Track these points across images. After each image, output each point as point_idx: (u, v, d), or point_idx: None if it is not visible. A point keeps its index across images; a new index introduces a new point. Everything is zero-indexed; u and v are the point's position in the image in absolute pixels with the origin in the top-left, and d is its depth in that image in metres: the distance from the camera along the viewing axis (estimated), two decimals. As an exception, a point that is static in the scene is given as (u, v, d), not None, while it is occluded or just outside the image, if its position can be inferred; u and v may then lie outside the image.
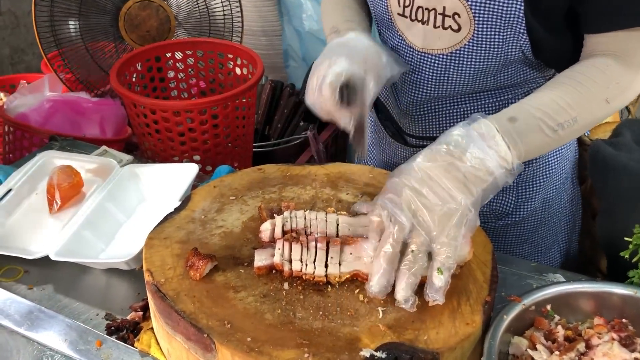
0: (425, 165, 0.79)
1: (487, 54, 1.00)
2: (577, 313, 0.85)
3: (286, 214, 0.90)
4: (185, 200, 1.00)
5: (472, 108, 1.11)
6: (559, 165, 1.17)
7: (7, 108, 1.65)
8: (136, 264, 1.02)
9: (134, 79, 1.54)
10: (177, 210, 0.98)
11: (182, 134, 1.37)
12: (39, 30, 1.75)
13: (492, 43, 0.98)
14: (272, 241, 0.87)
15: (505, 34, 0.96)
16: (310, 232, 0.88)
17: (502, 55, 0.99)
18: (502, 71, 1.04)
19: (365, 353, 0.71)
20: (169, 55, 1.61)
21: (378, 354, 0.71)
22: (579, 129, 0.89)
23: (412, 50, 1.07)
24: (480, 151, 0.79)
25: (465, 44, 0.99)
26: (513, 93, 1.09)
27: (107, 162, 1.23)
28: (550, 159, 1.15)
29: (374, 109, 1.27)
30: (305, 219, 0.89)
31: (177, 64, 1.64)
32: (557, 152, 1.15)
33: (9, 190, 1.18)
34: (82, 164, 1.23)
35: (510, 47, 0.98)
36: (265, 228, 0.89)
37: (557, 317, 0.84)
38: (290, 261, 0.83)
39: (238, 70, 1.58)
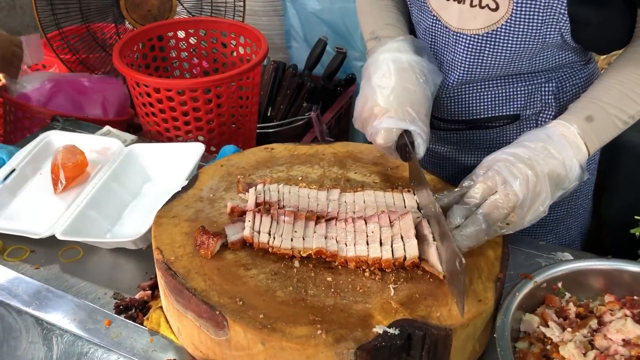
0: (538, 156, 0.84)
1: (524, 36, 0.95)
2: (587, 291, 0.85)
3: (259, 187, 0.90)
4: (193, 179, 0.99)
5: (504, 92, 1.07)
6: (595, 153, 1.10)
7: (9, 88, 1.63)
8: (144, 244, 1.01)
9: (136, 59, 1.52)
10: (185, 189, 0.97)
11: (186, 113, 1.35)
12: (38, 10, 1.73)
13: (531, 24, 0.93)
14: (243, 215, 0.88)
15: (545, 14, 0.92)
16: (283, 206, 0.89)
17: (540, 38, 0.95)
18: (539, 55, 1.00)
19: (379, 329, 0.71)
20: (171, 34, 1.58)
21: (391, 330, 0.71)
22: None
23: (447, 30, 1.02)
24: (570, 160, 0.85)
25: (502, 25, 0.95)
26: (547, 77, 1.05)
27: (112, 142, 1.22)
28: None
29: None
30: (278, 192, 0.90)
31: (180, 44, 1.62)
32: None
33: (13, 170, 1.17)
34: (86, 143, 1.22)
35: (549, 29, 0.94)
36: (235, 205, 0.89)
37: (567, 295, 0.84)
38: (259, 232, 0.84)
39: (241, 50, 1.56)
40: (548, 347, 0.75)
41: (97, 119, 1.56)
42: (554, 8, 0.91)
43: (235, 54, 1.59)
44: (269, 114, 2.05)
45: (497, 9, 0.94)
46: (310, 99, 2.05)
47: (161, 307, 0.90)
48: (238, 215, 0.89)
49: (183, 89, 1.32)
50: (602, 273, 0.85)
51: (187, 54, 1.64)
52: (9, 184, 1.14)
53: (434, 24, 1.04)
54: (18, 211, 1.11)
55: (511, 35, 0.96)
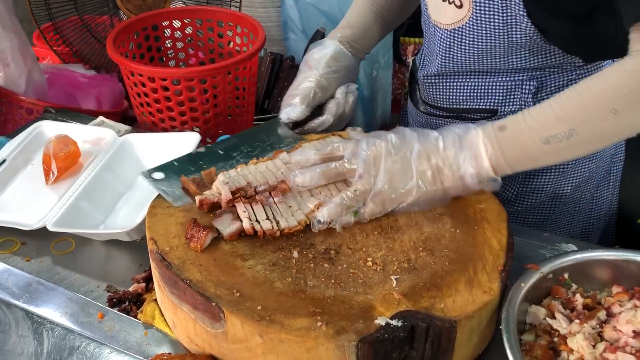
0: (411, 139, 0.86)
1: (488, 35, 0.97)
2: (594, 282, 0.83)
3: (222, 177, 0.87)
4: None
5: (482, 86, 1.08)
6: (580, 161, 1.09)
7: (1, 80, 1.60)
8: (138, 235, 0.99)
9: (130, 48, 1.49)
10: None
11: (182, 103, 1.32)
12: (32, 3, 1.70)
13: (492, 24, 0.95)
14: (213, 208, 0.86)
15: (504, 15, 0.93)
16: (255, 188, 0.87)
17: (505, 37, 0.96)
18: (514, 54, 0.99)
19: (381, 321, 0.69)
20: (166, 24, 1.55)
21: (394, 322, 0.69)
22: (584, 142, 0.80)
23: (430, 21, 1.07)
24: (461, 154, 0.83)
25: (466, 22, 0.98)
26: (529, 75, 1.03)
27: (105, 132, 1.19)
28: None
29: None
30: (243, 177, 0.89)
31: (175, 33, 1.59)
32: None
33: (3, 161, 1.14)
34: (79, 133, 1.18)
35: (512, 30, 0.94)
36: (203, 198, 0.86)
37: (574, 286, 0.82)
38: (259, 222, 0.82)
39: (238, 40, 1.53)
40: (555, 339, 0.73)
41: (91, 111, 1.53)
42: (512, 10, 0.92)
43: (232, 44, 1.56)
44: (266, 106, 2.02)
45: (461, 6, 0.97)
46: (308, 92, 2.02)
47: (155, 300, 0.87)
48: (208, 208, 0.86)
49: (178, 78, 1.29)
50: (609, 264, 0.82)
51: (182, 44, 1.61)
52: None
53: (424, 12, 1.10)
54: (8, 202, 1.08)
55: (475, 32, 0.98)
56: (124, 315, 0.87)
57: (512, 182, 1.12)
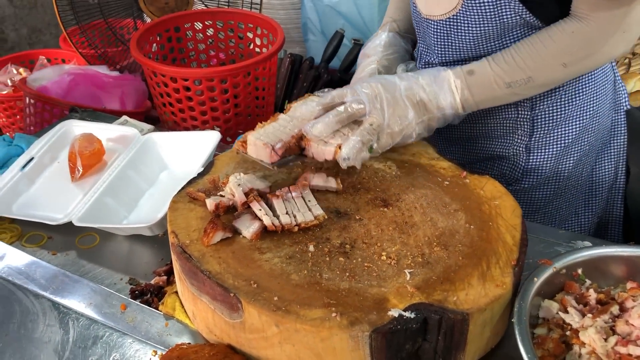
0: (397, 81, 0.96)
1: (481, 19, 1.01)
2: (608, 278, 0.83)
3: (233, 179, 0.89)
4: (209, 165, 0.99)
5: None
6: (580, 135, 1.12)
7: (29, 81, 1.65)
8: (159, 230, 1.01)
9: (154, 50, 1.53)
10: (201, 175, 0.97)
11: (203, 103, 1.36)
12: (58, 5, 1.75)
13: (483, 8, 0.99)
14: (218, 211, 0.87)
15: (493, 3, 0.97)
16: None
17: (498, 19, 0.99)
18: (507, 35, 1.02)
19: (394, 313, 0.70)
20: (188, 25, 1.59)
21: (407, 314, 0.70)
22: (536, 87, 0.97)
23: (420, 16, 1.12)
24: (438, 90, 0.96)
25: (459, 10, 1.02)
26: None
27: (128, 131, 1.23)
28: (567, 129, 1.11)
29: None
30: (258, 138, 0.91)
31: (197, 35, 1.62)
32: (576, 121, 1.11)
33: (31, 159, 1.18)
34: (104, 132, 1.22)
35: (504, 11, 0.98)
36: (211, 202, 0.87)
37: (588, 282, 0.82)
38: (277, 217, 0.84)
39: (258, 41, 1.56)
40: (567, 333, 0.74)
41: (115, 111, 1.57)
42: None
43: (252, 45, 1.59)
44: (285, 107, 2.05)
45: None
46: (326, 92, 2.04)
47: (176, 292, 0.90)
48: (223, 211, 0.88)
49: (199, 78, 1.32)
50: (623, 260, 0.83)
51: (204, 45, 1.64)
52: (27, 172, 1.15)
53: (414, 11, 1.14)
54: (36, 198, 1.12)
55: (469, 18, 1.02)
56: (146, 306, 0.89)
57: (516, 160, 1.15)
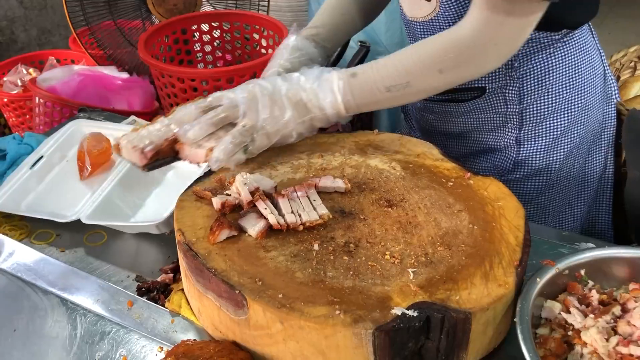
0: (279, 82, 0.96)
1: (459, 19, 1.01)
2: (611, 279, 0.84)
3: (240, 177, 0.90)
4: (215, 164, 1.00)
5: None
6: (569, 127, 1.15)
7: (38, 81, 1.67)
8: (166, 228, 1.03)
9: (162, 51, 1.54)
10: (207, 174, 0.98)
11: (210, 104, 1.37)
12: (68, 6, 1.77)
13: (460, 10, 1.01)
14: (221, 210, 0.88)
15: (465, 4, 0.99)
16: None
17: None
18: None
19: (397, 311, 0.71)
20: (195, 27, 1.60)
21: (410, 312, 0.71)
22: (416, 93, 0.96)
23: (406, 18, 1.16)
24: (319, 91, 0.95)
25: (438, 11, 1.05)
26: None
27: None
28: (556, 121, 1.14)
29: None
30: (130, 142, 0.92)
31: (203, 37, 1.64)
32: (565, 114, 1.14)
33: (41, 157, 1.20)
34: (112, 132, 1.24)
35: None
36: (217, 201, 0.89)
37: (590, 283, 0.83)
38: (282, 215, 0.85)
39: (264, 42, 1.58)
40: (569, 333, 0.74)
41: (123, 111, 1.59)
42: None
43: (258, 46, 1.61)
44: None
45: (429, 0, 1.06)
46: (333, 94, 2.04)
47: (182, 290, 0.91)
48: (229, 210, 0.89)
49: (207, 79, 1.34)
50: (626, 261, 0.83)
51: (210, 47, 1.66)
52: (36, 170, 1.17)
53: (401, 13, 1.18)
54: (45, 196, 1.14)
55: (448, 19, 1.05)
56: (152, 303, 0.91)
57: (507, 152, 1.18)
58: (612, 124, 1.23)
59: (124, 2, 1.83)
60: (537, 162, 1.17)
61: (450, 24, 1.05)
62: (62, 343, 0.87)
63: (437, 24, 1.08)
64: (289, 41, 1.17)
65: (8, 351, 0.88)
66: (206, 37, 1.65)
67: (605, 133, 1.23)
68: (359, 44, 2.11)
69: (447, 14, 1.05)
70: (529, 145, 1.16)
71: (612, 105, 1.22)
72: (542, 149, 1.16)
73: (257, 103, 0.93)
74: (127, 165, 1.14)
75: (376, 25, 2.11)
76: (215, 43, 1.66)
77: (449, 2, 1.03)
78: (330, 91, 0.95)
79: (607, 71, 1.21)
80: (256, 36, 1.60)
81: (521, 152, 1.17)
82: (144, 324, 0.88)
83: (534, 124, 1.14)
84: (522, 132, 1.15)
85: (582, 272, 0.83)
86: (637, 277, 0.83)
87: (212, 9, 1.88)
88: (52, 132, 1.29)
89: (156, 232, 1.03)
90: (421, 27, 1.12)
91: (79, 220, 1.02)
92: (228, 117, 0.92)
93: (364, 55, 2.10)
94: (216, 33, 1.64)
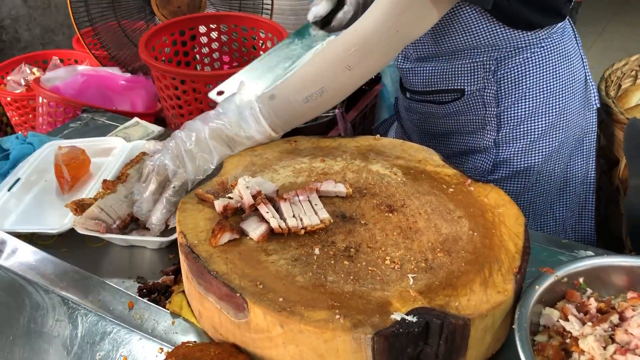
0: (197, 125, 0.99)
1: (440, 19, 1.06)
2: (609, 288, 0.84)
3: (242, 181, 0.91)
4: (217, 167, 1.01)
5: (449, 67, 1.18)
6: (547, 131, 1.18)
7: (42, 81, 1.68)
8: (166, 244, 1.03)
9: (167, 52, 1.55)
10: (210, 177, 0.98)
11: (212, 104, 1.37)
12: (72, 6, 1.78)
13: None
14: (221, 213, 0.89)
15: None
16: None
17: (453, 16, 1.05)
18: (468, 32, 1.09)
19: (396, 316, 0.72)
20: (192, 29, 1.61)
21: (409, 318, 0.71)
22: (333, 97, 0.98)
23: None
24: (242, 123, 0.99)
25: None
26: (487, 55, 1.14)
27: (115, 141, 1.23)
28: (533, 124, 1.17)
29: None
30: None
31: (201, 38, 1.65)
32: (543, 117, 1.16)
33: (18, 180, 1.16)
34: (90, 146, 1.22)
35: (458, 10, 1.05)
36: (219, 204, 0.89)
37: (589, 291, 0.83)
38: (283, 220, 0.86)
39: (262, 44, 1.59)
40: (567, 340, 0.75)
41: (126, 112, 1.60)
42: None
43: (256, 48, 1.62)
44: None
45: None
46: (335, 98, 2.05)
47: (183, 292, 0.92)
48: (231, 213, 0.89)
49: (210, 82, 1.34)
50: (625, 270, 0.84)
51: (208, 48, 1.67)
52: (15, 192, 1.13)
53: None
54: (30, 212, 1.11)
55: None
56: (153, 305, 0.91)
57: (487, 154, 1.21)
58: (593, 129, 1.25)
59: (127, 3, 1.84)
60: (516, 164, 1.19)
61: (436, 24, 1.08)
62: (63, 342, 0.88)
63: None
64: None
65: (9, 349, 0.89)
66: (204, 39, 1.66)
67: (587, 138, 1.25)
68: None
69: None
70: (507, 148, 1.19)
71: (593, 110, 1.24)
72: (520, 152, 1.18)
73: (183, 158, 0.98)
74: (110, 174, 1.13)
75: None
76: (212, 45, 1.66)
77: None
78: (254, 120, 0.98)
79: (588, 77, 1.23)
80: (254, 38, 1.61)
81: (500, 154, 1.19)
82: (145, 325, 0.88)
83: (511, 127, 1.17)
84: (500, 134, 1.18)
85: (581, 280, 0.83)
86: (635, 286, 0.83)
87: (216, 11, 1.89)
88: (56, 133, 1.29)
89: (157, 247, 1.04)
90: None
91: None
92: (165, 179, 1.00)
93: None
94: (213, 35, 1.65)
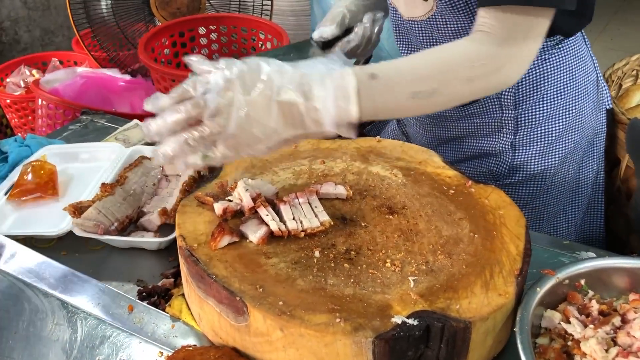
0: (272, 74, 0.78)
1: (456, 16, 1.04)
2: (611, 289, 0.84)
3: (242, 184, 0.91)
4: (217, 170, 1.01)
5: None
6: (563, 133, 1.16)
7: (41, 83, 1.68)
8: (165, 245, 1.03)
9: (159, 54, 1.55)
10: (209, 179, 0.98)
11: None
12: (72, 8, 1.77)
13: (455, 8, 1.02)
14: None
15: (463, 1, 1.00)
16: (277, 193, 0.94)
17: (471, 16, 1.02)
18: None
19: (397, 320, 0.71)
20: (191, 30, 1.61)
21: (410, 321, 0.71)
22: (443, 103, 0.87)
23: (402, 18, 1.16)
24: (327, 98, 0.78)
25: (435, 11, 1.06)
26: None
27: (113, 147, 1.23)
28: (550, 127, 1.15)
29: None
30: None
31: (201, 40, 1.64)
32: (560, 119, 1.14)
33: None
34: (87, 151, 1.23)
35: (474, 9, 1.00)
36: (219, 207, 0.89)
37: (590, 293, 0.83)
38: (283, 222, 0.86)
39: (261, 45, 1.58)
40: (569, 343, 0.74)
41: (125, 114, 1.59)
42: None
43: (255, 49, 1.61)
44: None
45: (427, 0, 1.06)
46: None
47: (183, 295, 0.91)
48: (231, 215, 0.89)
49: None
50: (626, 271, 0.83)
51: (207, 50, 1.66)
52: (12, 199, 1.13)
53: (394, 14, 1.19)
54: (29, 215, 1.11)
55: (447, 17, 1.06)
56: (153, 308, 0.91)
57: (502, 157, 1.19)
58: (603, 129, 1.24)
59: (127, 5, 1.83)
60: (532, 167, 1.18)
61: (448, 22, 1.06)
62: (63, 346, 0.88)
63: (436, 22, 1.08)
64: None
65: (8, 354, 0.89)
66: (203, 40, 1.65)
67: (598, 139, 1.24)
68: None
69: (444, 12, 1.05)
70: (524, 151, 1.17)
71: (604, 112, 1.24)
72: (538, 154, 1.17)
73: (231, 108, 0.76)
74: (108, 179, 1.13)
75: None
76: (212, 46, 1.66)
77: (446, 1, 1.03)
78: (343, 97, 0.79)
79: (599, 77, 1.23)
80: (254, 39, 1.61)
81: (516, 157, 1.18)
82: (144, 328, 0.88)
83: (529, 129, 1.15)
84: (518, 137, 1.16)
85: (582, 281, 0.83)
86: (637, 288, 0.83)
87: (215, 12, 1.89)
88: (54, 135, 1.29)
89: (155, 249, 1.03)
90: (420, 25, 1.12)
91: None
92: (191, 117, 0.77)
93: (366, 60, 2.11)
94: (213, 36, 1.65)
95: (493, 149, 1.19)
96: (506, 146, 1.17)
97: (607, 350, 0.71)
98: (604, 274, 0.83)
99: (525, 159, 1.17)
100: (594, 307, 0.79)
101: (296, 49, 1.18)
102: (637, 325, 0.73)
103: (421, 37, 1.14)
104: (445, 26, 1.08)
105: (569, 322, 0.77)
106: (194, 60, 0.81)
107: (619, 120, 1.22)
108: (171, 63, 1.59)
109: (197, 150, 0.77)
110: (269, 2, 1.91)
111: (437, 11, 1.06)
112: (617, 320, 0.75)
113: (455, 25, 1.06)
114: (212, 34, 1.64)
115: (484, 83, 0.87)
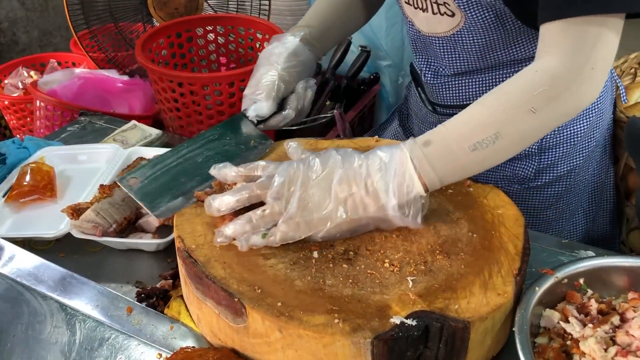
0: (336, 169, 0.82)
1: (484, 32, 1.02)
2: (610, 288, 0.84)
3: (239, 185, 0.90)
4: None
5: (491, 79, 1.13)
6: (587, 132, 1.15)
7: (40, 84, 1.67)
8: (164, 246, 1.02)
9: (156, 55, 1.54)
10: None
11: (210, 107, 1.37)
12: (69, 8, 1.77)
13: (485, 22, 1.00)
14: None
15: (494, 10, 0.98)
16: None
17: (501, 30, 1.01)
18: (513, 44, 1.04)
19: (396, 320, 0.71)
20: (189, 31, 1.61)
21: (408, 321, 0.71)
22: (509, 145, 0.81)
23: (420, 34, 1.13)
24: (384, 185, 0.81)
25: (462, 27, 1.03)
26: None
27: (110, 148, 1.23)
28: (576, 127, 1.14)
29: (410, 76, 1.32)
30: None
31: (198, 40, 1.64)
32: (585, 119, 1.14)
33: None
34: (85, 152, 1.22)
35: (505, 23, 0.99)
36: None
37: (589, 292, 0.83)
38: None
39: (259, 45, 1.58)
40: (568, 342, 0.74)
41: (124, 115, 1.59)
42: (498, 8, 0.97)
43: (253, 49, 1.61)
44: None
45: (453, 15, 1.02)
46: (333, 98, 2.05)
47: (181, 296, 0.91)
48: (230, 219, 0.88)
49: (207, 84, 1.34)
50: (625, 270, 0.83)
51: (205, 51, 1.66)
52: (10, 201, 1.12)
53: (411, 28, 1.15)
54: (27, 218, 1.10)
55: (473, 33, 1.03)
56: (151, 309, 0.90)
57: (529, 161, 1.17)
58: (610, 125, 1.24)
59: (124, 5, 1.83)
60: (559, 168, 1.17)
61: (475, 36, 1.03)
62: (61, 349, 0.87)
63: (461, 37, 1.05)
64: (287, 45, 1.10)
65: (7, 357, 0.88)
66: (200, 41, 1.65)
67: (608, 134, 1.24)
68: (360, 48, 2.12)
69: (473, 27, 1.02)
70: (551, 153, 1.15)
71: (615, 109, 1.23)
72: (564, 155, 1.15)
73: (294, 190, 0.81)
74: (106, 180, 1.13)
75: (377, 29, 2.12)
76: (209, 47, 1.66)
77: (478, 11, 0.98)
78: (399, 184, 0.80)
79: (613, 73, 1.22)
80: (251, 40, 1.60)
81: (543, 159, 1.16)
82: (143, 330, 0.87)
83: (555, 131, 1.14)
84: (544, 139, 1.14)
85: (581, 281, 0.83)
86: (636, 286, 0.83)
87: (213, 12, 1.89)
88: (52, 137, 1.29)
89: (153, 250, 1.03)
90: (441, 41, 1.09)
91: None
92: (255, 197, 0.84)
93: (364, 59, 2.11)
94: (210, 36, 1.64)
95: (519, 152, 1.17)
96: (533, 149, 1.15)
97: (606, 350, 0.71)
98: (603, 273, 0.83)
99: (553, 160, 1.15)
100: (593, 306, 0.79)
101: (228, 128, 1.05)
102: (636, 324, 0.72)
103: (442, 52, 1.11)
104: (471, 41, 1.05)
105: (568, 321, 0.77)
106: (294, 147, 0.93)
107: (618, 118, 1.22)
108: (169, 64, 1.59)
109: (258, 228, 0.82)
110: (267, 2, 1.90)
111: (464, 27, 1.02)
112: (616, 320, 0.75)
113: (482, 41, 1.03)
114: (210, 34, 1.64)
115: (548, 112, 0.80)
